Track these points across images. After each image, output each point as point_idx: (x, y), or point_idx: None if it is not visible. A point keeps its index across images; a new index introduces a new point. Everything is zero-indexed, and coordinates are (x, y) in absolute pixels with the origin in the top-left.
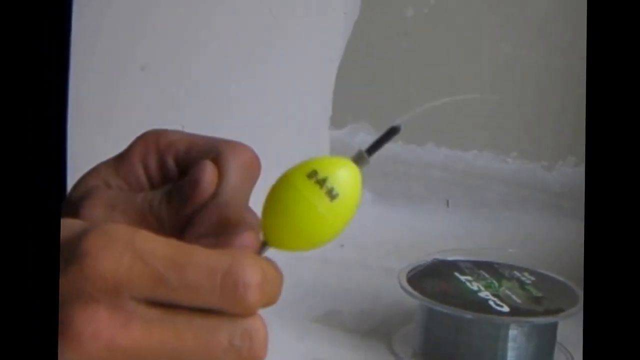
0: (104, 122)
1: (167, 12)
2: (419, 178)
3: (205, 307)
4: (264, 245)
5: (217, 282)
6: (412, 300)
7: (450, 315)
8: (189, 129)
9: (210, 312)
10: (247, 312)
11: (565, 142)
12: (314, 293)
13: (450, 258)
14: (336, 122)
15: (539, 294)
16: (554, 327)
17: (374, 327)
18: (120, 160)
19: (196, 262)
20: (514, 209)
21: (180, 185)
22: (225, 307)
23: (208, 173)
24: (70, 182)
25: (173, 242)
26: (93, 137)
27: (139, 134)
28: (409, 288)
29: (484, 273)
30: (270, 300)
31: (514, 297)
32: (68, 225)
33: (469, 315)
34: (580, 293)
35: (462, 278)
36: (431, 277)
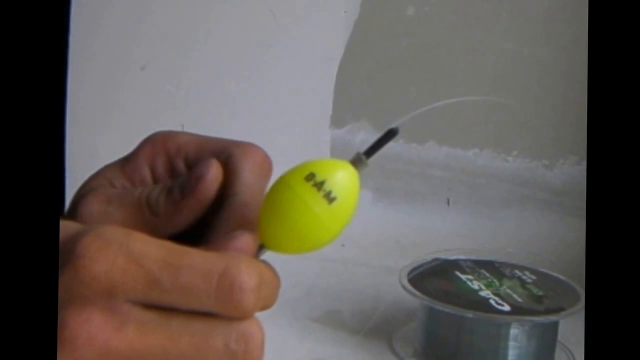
0: (103, 121)
1: (166, 12)
2: (419, 177)
3: (200, 310)
4: (261, 248)
5: (212, 284)
6: (413, 300)
7: (451, 315)
8: (189, 129)
9: (206, 316)
10: (243, 316)
11: (566, 140)
12: (314, 292)
13: (451, 257)
14: (336, 121)
15: (540, 293)
16: (555, 326)
17: (375, 327)
18: (126, 163)
19: (191, 264)
20: (515, 207)
21: (183, 179)
22: (221, 310)
23: (213, 169)
24: (69, 181)
25: (168, 245)
26: (92, 137)
27: (138, 133)
28: (410, 287)
29: (484, 272)
30: (266, 303)
31: (515, 296)
32: (63, 228)
33: (470, 314)
34: (581, 292)
35: (463, 277)
36: (432, 276)
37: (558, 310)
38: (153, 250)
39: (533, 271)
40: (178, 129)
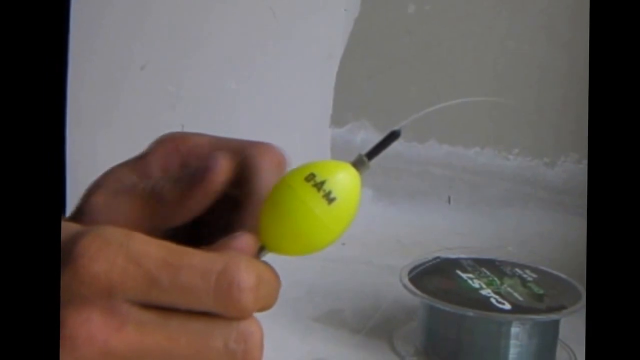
0: (103, 121)
1: (166, 12)
2: (420, 175)
3: (199, 309)
4: (262, 249)
5: (211, 283)
6: (414, 298)
7: (452, 313)
8: (189, 128)
9: (205, 315)
10: (241, 315)
11: (567, 138)
12: (315, 292)
13: (452, 256)
14: (337, 120)
15: (541, 291)
16: (556, 324)
17: (376, 326)
18: (137, 162)
19: (190, 263)
20: (516, 205)
21: (192, 170)
22: (220, 309)
23: (222, 161)
24: (70, 181)
25: (167, 245)
26: (93, 137)
27: (138, 133)
28: (411, 286)
29: (485, 270)
30: (266, 303)
31: (515, 294)
32: (63, 229)
33: (470, 313)
34: (582, 290)
35: (464, 276)
36: (433, 275)
37: (559, 308)
38: (152, 250)
39: (534, 269)
40: (178, 128)
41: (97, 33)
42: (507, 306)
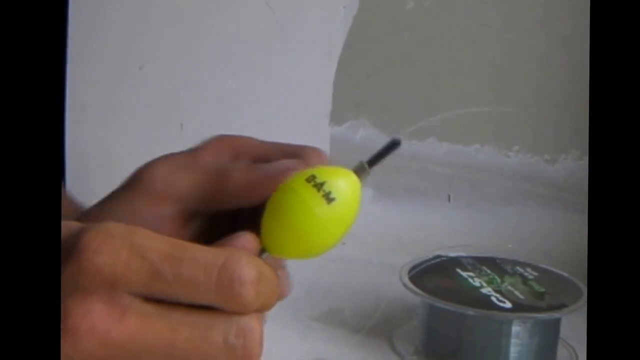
0: (102, 121)
1: (165, 10)
2: (420, 173)
3: (201, 303)
4: (262, 251)
5: (212, 277)
6: (414, 297)
7: (453, 312)
8: (188, 127)
9: (206, 309)
10: (242, 309)
11: (567, 135)
12: (315, 291)
13: (452, 254)
14: (336, 118)
15: (542, 290)
16: (557, 322)
17: (376, 325)
18: (190, 153)
19: (193, 257)
20: (517, 203)
21: (269, 164)
22: (221, 303)
23: (296, 166)
24: (69, 180)
25: (170, 239)
26: (92, 136)
27: (138, 132)
28: (411, 285)
29: (486, 269)
30: (266, 301)
31: (516, 292)
32: (67, 226)
33: (471, 311)
34: (583, 288)
35: (464, 274)
36: (433, 273)
37: (560, 307)
38: (155, 243)
39: (535, 267)
40: (177, 128)
41: (96, 32)
42: (508, 305)
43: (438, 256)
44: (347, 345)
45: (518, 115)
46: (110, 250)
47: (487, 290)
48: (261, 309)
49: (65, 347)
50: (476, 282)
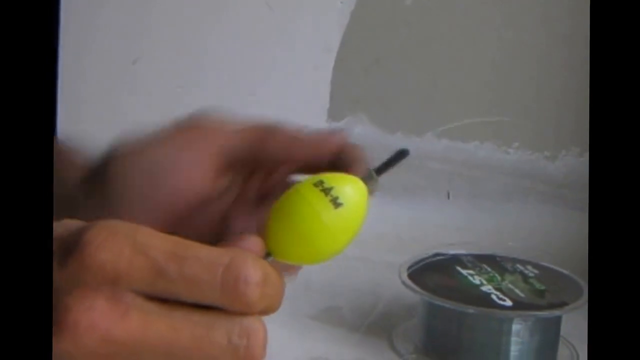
0: (95, 115)
1: (159, 5)
2: (419, 170)
3: (204, 302)
4: (267, 255)
5: (217, 276)
6: (413, 295)
7: (452, 310)
8: None
9: (210, 309)
10: (246, 309)
11: (568, 132)
12: (312, 289)
13: (451, 252)
14: (334, 114)
15: (542, 287)
16: (557, 321)
17: (375, 323)
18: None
19: (197, 255)
20: (516, 200)
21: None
22: (225, 302)
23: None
24: None
25: (174, 238)
26: (84, 132)
27: (131, 127)
28: (410, 283)
29: (486, 267)
30: (270, 304)
31: (516, 290)
32: (70, 224)
33: (471, 309)
34: (584, 286)
35: (464, 272)
36: (432, 271)
37: (561, 304)
38: (159, 242)
39: (535, 265)
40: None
41: (88, 27)
42: (508, 303)
43: (437, 254)
44: (346, 344)
45: (518, 111)
46: (114, 247)
47: (487, 288)
48: (265, 312)
49: (66, 343)
50: (476, 280)
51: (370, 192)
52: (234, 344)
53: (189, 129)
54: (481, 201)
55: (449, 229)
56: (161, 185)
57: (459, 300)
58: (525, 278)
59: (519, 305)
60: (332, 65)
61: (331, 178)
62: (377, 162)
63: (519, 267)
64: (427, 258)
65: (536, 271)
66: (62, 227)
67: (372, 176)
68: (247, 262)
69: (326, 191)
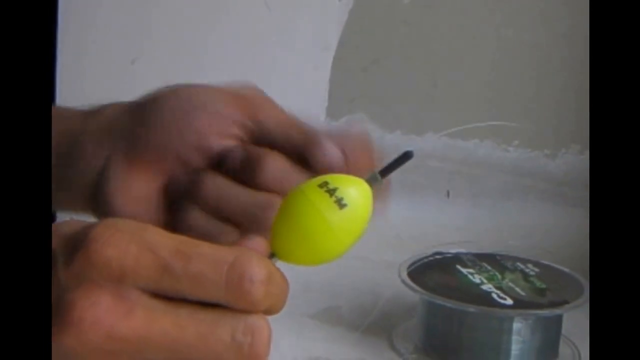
0: None
1: (157, 5)
2: (418, 168)
3: (209, 300)
4: (271, 256)
5: (222, 273)
6: (413, 295)
7: (453, 309)
8: None
9: (214, 307)
10: (251, 307)
11: (568, 129)
12: (312, 288)
13: (451, 250)
14: (332, 112)
15: (543, 286)
16: (558, 319)
17: (374, 323)
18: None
19: (203, 253)
20: (517, 198)
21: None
22: (230, 300)
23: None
24: None
25: (179, 236)
26: None
27: None
28: (410, 282)
29: (486, 265)
30: (274, 303)
31: (517, 289)
32: (75, 223)
33: (471, 308)
34: (585, 284)
35: (464, 271)
36: (432, 270)
37: (562, 303)
38: (165, 239)
39: (535, 263)
40: None
41: (87, 27)
42: (509, 301)
43: (437, 252)
44: (346, 344)
45: (517, 109)
46: (120, 244)
47: (487, 286)
48: (269, 311)
49: (70, 340)
50: (476, 279)
51: (382, 197)
52: (238, 342)
53: (237, 91)
54: (481, 199)
55: (448, 228)
56: (195, 123)
57: (459, 299)
58: (525, 276)
59: (519, 303)
60: (331, 64)
61: (336, 179)
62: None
63: (520, 265)
64: (426, 257)
65: (537, 269)
66: (68, 226)
67: (376, 178)
68: (251, 260)
69: (331, 192)
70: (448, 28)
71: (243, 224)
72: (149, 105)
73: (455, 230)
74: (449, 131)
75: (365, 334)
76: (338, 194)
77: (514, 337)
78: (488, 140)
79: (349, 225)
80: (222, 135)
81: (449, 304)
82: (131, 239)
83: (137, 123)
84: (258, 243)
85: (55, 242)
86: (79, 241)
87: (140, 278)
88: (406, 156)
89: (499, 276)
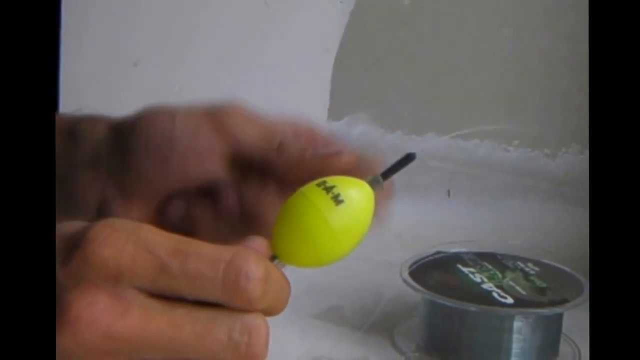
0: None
1: (159, 6)
2: (419, 168)
3: (206, 298)
4: (273, 258)
5: (219, 271)
6: (415, 294)
7: (454, 308)
8: None
9: (211, 306)
10: (247, 306)
11: (568, 129)
12: (314, 289)
13: (452, 250)
14: (334, 113)
15: (544, 285)
16: (559, 318)
17: (376, 322)
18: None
19: (199, 252)
20: (517, 198)
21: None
22: (226, 298)
23: (352, 156)
24: None
25: (176, 235)
26: None
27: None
28: (411, 281)
29: (487, 264)
30: (273, 303)
31: (518, 288)
32: (74, 224)
33: (472, 307)
34: (585, 283)
35: (465, 270)
36: (433, 269)
37: (562, 302)
38: (162, 239)
39: (536, 263)
40: None
41: (89, 29)
42: (510, 300)
43: (438, 252)
44: (348, 343)
45: (518, 109)
46: (117, 243)
47: (488, 285)
48: (269, 312)
49: (67, 339)
50: (477, 278)
51: (385, 201)
52: (234, 341)
53: (214, 114)
54: (482, 199)
55: (449, 228)
56: (177, 155)
57: (460, 298)
58: (526, 275)
59: (520, 302)
60: (332, 64)
61: (337, 181)
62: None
63: (520, 264)
64: (428, 256)
65: (537, 268)
66: (67, 227)
67: (378, 180)
68: (248, 258)
69: (327, 189)
70: (448, 28)
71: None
72: (130, 137)
73: (456, 229)
74: (452, 135)
75: (368, 333)
76: (335, 190)
77: (515, 336)
78: (488, 140)
79: (349, 223)
80: (203, 169)
81: (450, 303)
82: (128, 239)
83: (123, 156)
84: (258, 244)
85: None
86: (76, 241)
87: (137, 277)
88: (408, 158)
89: (500, 275)
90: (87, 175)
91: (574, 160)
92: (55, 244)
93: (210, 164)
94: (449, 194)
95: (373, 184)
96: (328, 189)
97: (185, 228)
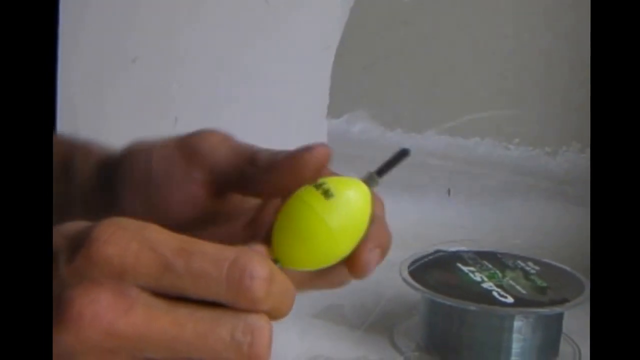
0: (94, 115)
1: (157, 3)
2: (419, 167)
3: (210, 298)
4: (274, 262)
5: (223, 270)
6: (414, 293)
7: (454, 307)
8: (183, 121)
9: (215, 306)
10: (251, 306)
11: (569, 128)
12: None
13: (452, 249)
14: (333, 111)
15: (544, 284)
16: (559, 317)
17: (376, 321)
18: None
19: (203, 251)
20: (518, 196)
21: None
22: (230, 297)
23: (324, 150)
24: None
25: (180, 235)
26: (84, 130)
27: (131, 127)
28: (411, 280)
29: (487, 263)
30: (278, 305)
31: (518, 287)
32: (79, 224)
33: (472, 307)
34: (586, 282)
35: (465, 269)
36: (433, 268)
37: (562, 301)
38: (167, 238)
39: (536, 262)
40: (171, 122)
41: (87, 26)
42: (510, 300)
43: (438, 251)
44: (348, 342)
45: (518, 107)
46: (121, 242)
47: (488, 285)
48: (274, 315)
49: (69, 336)
50: (477, 277)
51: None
52: (237, 341)
53: (187, 142)
54: (482, 198)
55: (449, 226)
56: (156, 189)
57: (460, 298)
58: (526, 275)
59: (520, 302)
60: (332, 62)
61: (332, 181)
62: (379, 163)
63: (520, 263)
64: (427, 255)
65: (537, 268)
66: (72, 226)
67: (373, 178)
68: (253, 258)
69: (317, 186)
70: (448, 26)
71: None
72: (114, 175)
73: (456, 228)
74: (450, 124)
75: (367, 332)
76: (325, 187)
77: (515, 335)
78: (489, 139)
79: (345, 221)
80: (184, 198)
81: (450, 302)
82: (132, 237)
83: (109, 193)
84: (259, 249)
85: (60, 242)
86: (81, 240)
87: (141, 276)
88: (402, 154)
89: (500, 274)
90: (79, 209)
91: (575, 158)
92: (59, 242)
93: (190, 191)
94: (449, 193)
95: (369, 181)
96: (318, 186)
97: None
